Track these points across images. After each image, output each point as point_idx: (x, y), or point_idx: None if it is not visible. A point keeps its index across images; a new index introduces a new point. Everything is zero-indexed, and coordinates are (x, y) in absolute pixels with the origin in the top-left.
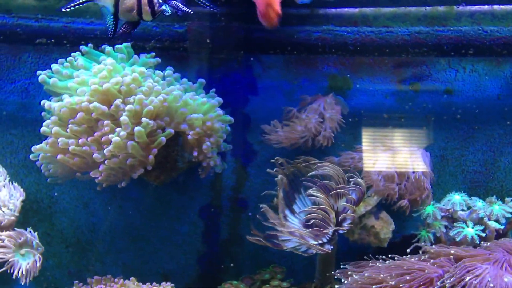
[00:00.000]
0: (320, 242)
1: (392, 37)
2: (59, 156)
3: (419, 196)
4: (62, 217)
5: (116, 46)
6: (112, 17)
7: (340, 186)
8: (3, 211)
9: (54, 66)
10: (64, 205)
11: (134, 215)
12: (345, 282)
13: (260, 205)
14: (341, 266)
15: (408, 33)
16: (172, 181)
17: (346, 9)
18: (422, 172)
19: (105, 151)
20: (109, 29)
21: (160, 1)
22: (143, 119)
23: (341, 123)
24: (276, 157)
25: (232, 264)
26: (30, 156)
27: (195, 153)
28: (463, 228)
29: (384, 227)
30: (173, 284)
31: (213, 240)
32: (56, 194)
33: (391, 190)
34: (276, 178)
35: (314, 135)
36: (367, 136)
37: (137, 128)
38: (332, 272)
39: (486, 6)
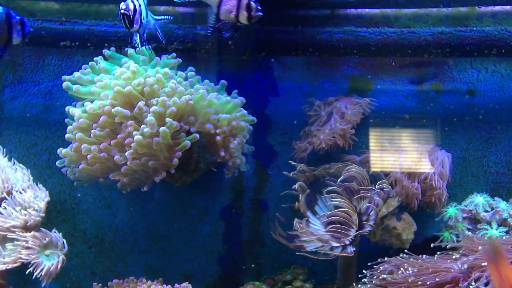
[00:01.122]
0: (342, 244)
1: (415, 37)
2: (81, 166)
3: (431, 195)
4: (85, 217)
5: (138, 48)
6: (214, 16)
7: (363, 188)
8: (29, 212)
9: (76, 74)
10: (87, 205)
11: (156, 216)
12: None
13: (277, 214)
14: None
15: (430, 33)
16: (193, 182)
17: (366, 9)
18: (438, 172)
19: (126, 153)
20: (209, 27)
21: (259, 7)
22: (167, 119)
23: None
24: (300, 165)
25: (253, 265)
26: (57, 163)
27: (222, 153)
28: (488, 230)
29: (406, 228)
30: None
31: (234, 241)
32: (79, 195)
33: (415, 189)
34: (295, 186)
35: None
36: (387, 136)
37: (162, 129)
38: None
39: (508, 6)
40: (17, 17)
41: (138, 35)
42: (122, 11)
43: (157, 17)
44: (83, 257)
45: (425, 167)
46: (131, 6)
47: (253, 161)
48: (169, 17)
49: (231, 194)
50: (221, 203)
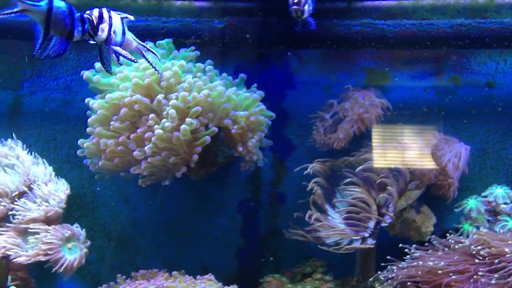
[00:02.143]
0: (361, 236)
1: (434, 29)
2: (101, 162)
3: (443, 181)
4: (104, 211)
5: (157, 42)
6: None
7: (382, 175)
8: (50, 204)
9: (97, 65)
10: (106, 199)
11: (174, 209)
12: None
13: (295, 214)
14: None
15: (450, 25)
16: (211, 176)
17: (383, 1)
18: (452, 161)
19: (146, 148)
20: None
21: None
22: (187, 119)
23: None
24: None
25: (271, 258)
26: (78, 152)
27: (241, 148)
28: (508, 222)
29: (425, 221)
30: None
31: (252, 234)
32: (98, 189)
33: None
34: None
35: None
36: (405, 129)
37: (182, 127)
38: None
39: None
40: (77, 14)
41: (106, 49)
42: (85, 14)
43: (143, 44)
44: (103, 251)
45: (441, 153)
46: (95, 13)
47: (270, 154)
48: (155, 52)
49: (248, 188)
50: (238, 197)
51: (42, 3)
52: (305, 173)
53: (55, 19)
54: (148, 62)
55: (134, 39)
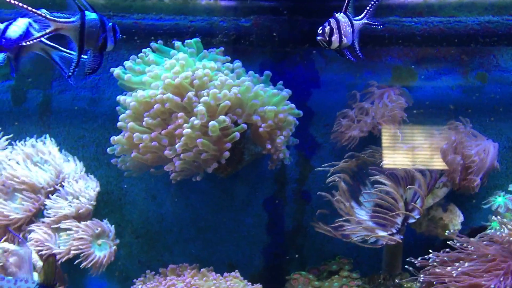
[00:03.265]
0: (389, 232)
1: (461, 26)
2: (133, 154)
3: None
4: (131, 208)
5: (186, 40)
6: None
7: (410, 169)
8: (81, 201)
9: (127, 63)
10: (133, 197)
11: (200, 206)
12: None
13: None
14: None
15: (477, 22)
16: (237, 174)
17: None
18: (479, 157)
19: (176, 146)
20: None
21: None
22: (221, 117)
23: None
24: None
25: (296, 256)
26: (108, 150)
27: (269, 146)
28: None
29: (453, 218)
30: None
31: (278, 231)
32: (125, 186)
33: (457, 162)
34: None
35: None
36: (432, 128)
37: (211, 123)
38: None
39: None
40: (109, 24)
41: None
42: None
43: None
44: (130, 247)
45: (469, 145)
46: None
47: (295, 152)
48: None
49: (274, 185)
50: (264, 194)
51: (74, 18)
52: (330, 171)
53: (88, 32)
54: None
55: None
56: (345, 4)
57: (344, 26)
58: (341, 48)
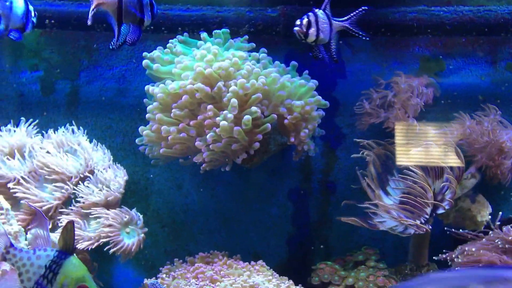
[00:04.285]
0: (418, 222)
1: (492, 16)
2: (162, 150)
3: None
4: (157, 198)
5: (214, 31)
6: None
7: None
8: (110, 189)
9: (155, 53)
10: (159, 186)
11: (225, 197)
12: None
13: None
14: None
15: (508, 11)
16: (262, 164)
17: None
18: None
19: (207, 136)
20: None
21: None
22: (252, 108)
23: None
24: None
25: (321, 246)
26: (137, 140)
27: (292, 139)
28: None
29: (481, 210)
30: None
31: (303, 222)
32: (151, 176)
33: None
34: (367, 156)
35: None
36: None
37: (246, 117)
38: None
39: None
40: None
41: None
42: None
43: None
44: (157, 236)
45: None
46: None
47: (321, 143)
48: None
49: (299, 176)
50: (289, 185)
51: None
52: (360, 153)
53: (126, 8)
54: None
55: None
56: (324, 3)
57: (322, 22)
58: (317, 43)
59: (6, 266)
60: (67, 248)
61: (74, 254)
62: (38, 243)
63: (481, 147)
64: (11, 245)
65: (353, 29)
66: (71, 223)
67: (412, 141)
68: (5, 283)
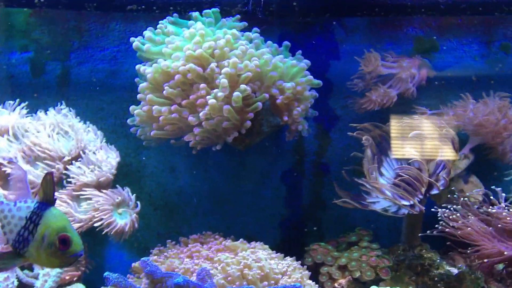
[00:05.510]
0: (411, 202)
1: None
2: (153, 132)
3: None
4: (150, 180)
5: (204, 11)
6: None
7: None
8: (102, 169)
9: (147, 33)
10: (152, 169)
11: (218, 179)
12: None
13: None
14: None
15: None
16: (255, 146)
17: None
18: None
19: (200, 114)
20: None
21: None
22: (241, 86)
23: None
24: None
25: (315, 228)
26: (128, 121)
27: (286, 118)
28: None
29: (474, 191)
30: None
31: (296, 204)
32: (144, 158)
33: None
34: (365, 141)
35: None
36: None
37: (235, 93)
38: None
39: None
40: None
41: None
42: None
43: None
44: (149, 219)
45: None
46: None
47: (314, 124)
48: None
49: (292, 158)
50: (282, 167)
51: None
52: (355, 133)
53: None
54: None
55: None
56: None
57: None
58: None
59: None
60: (47, 199)
61: (55, 205)
62: (17, 194)
63: (491, 127)
64: None
65: None
66: (50, 174)
67: (408, 120)
68: None
